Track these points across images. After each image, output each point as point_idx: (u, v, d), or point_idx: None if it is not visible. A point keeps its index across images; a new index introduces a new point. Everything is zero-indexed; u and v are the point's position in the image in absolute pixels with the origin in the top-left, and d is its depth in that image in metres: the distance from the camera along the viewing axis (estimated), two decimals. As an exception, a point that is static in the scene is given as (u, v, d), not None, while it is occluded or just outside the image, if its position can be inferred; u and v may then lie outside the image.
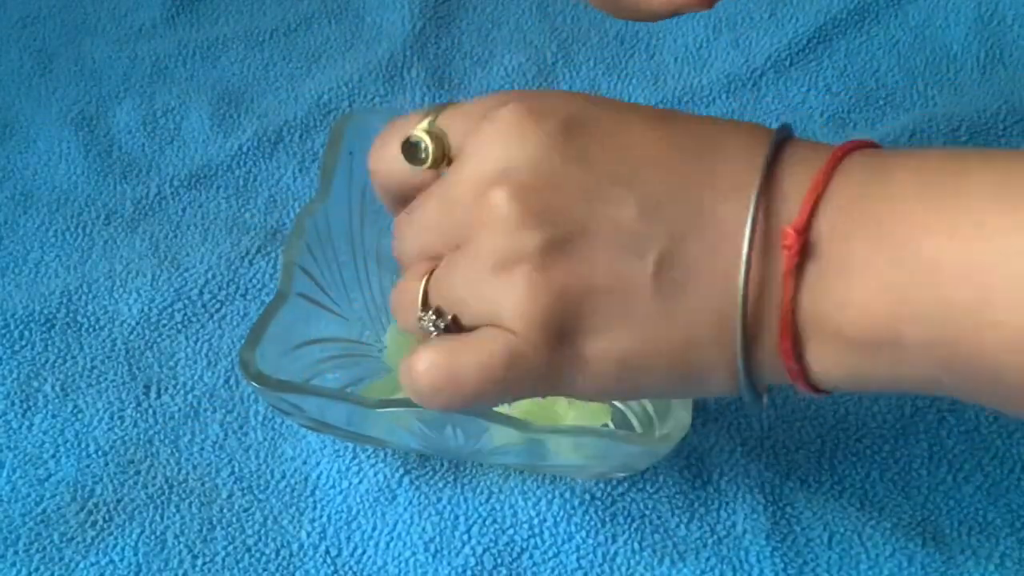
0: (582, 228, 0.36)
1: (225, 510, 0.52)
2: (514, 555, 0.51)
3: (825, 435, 0.55)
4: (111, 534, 0.51)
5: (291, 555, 0.51)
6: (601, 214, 0.35)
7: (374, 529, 0.52)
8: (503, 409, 0.53)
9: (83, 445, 0.54)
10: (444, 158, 0.40)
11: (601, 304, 0.36)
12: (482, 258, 0.36)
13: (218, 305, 0.60)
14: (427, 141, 0.40)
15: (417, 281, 0.40)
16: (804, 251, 0.34)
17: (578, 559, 0.51)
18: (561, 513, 0.52)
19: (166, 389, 0.57)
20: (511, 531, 0.52)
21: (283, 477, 0.53)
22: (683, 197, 0.35)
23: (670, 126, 0.37)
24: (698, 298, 0.35)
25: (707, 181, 0.35)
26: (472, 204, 0.37)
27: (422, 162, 0.41)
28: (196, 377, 0.57)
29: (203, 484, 0.53)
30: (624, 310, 0.35)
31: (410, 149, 0.41)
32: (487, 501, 0.53)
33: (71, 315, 0.60)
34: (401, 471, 0.53)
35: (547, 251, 0.36)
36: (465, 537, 0.51)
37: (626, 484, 0.53)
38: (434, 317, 0.39)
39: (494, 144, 0.37)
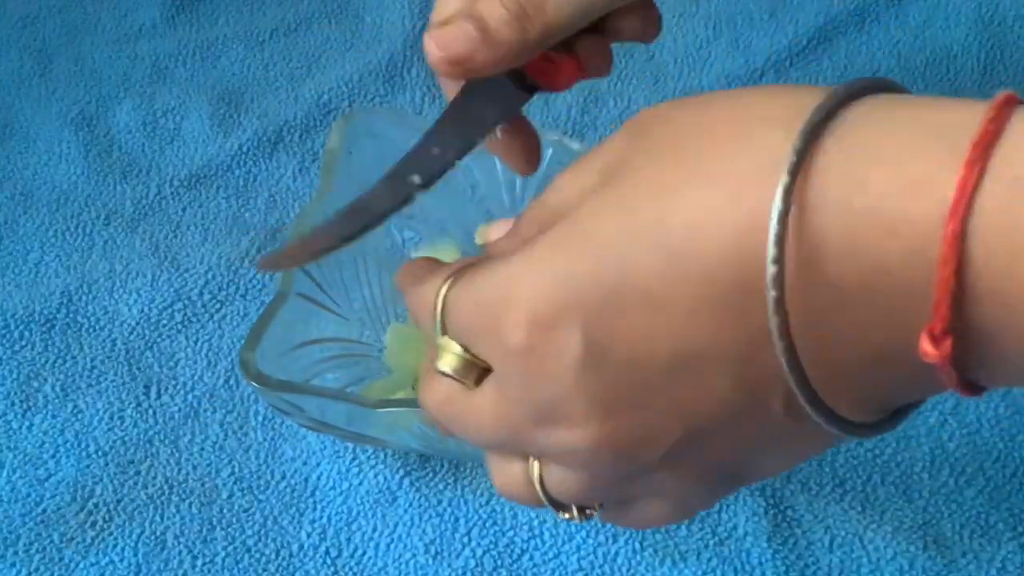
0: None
1: (225, 510, 0.52)
2: (514, 556, 0.51)
3: (826, 437, 0.55)
4: (111, 534, 0.51)
5: (291, 556, 0.51)
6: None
7: (374, 530, 0.52)
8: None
9: (83, 445, 0.54)
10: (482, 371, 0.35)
11: None
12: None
13: (218, 305, 0.60)
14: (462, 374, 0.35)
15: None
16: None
17: (579, 560, 0.51)
18: (562, 515, 0.52)
19: (166, 389, 0.57)
20: (511, 532, 0.52)
21: (283, 478, 0.53)
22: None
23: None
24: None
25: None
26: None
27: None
28: (196, 377, 0.57)
29: (203, 484, 0.53)
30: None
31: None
32: (487, 503, 0.52)
33: (71, 315, 0.60)
34: (401, 473, 0.53)
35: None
36: (465, 539, 0.51)
37: (627, 486, 0.53)
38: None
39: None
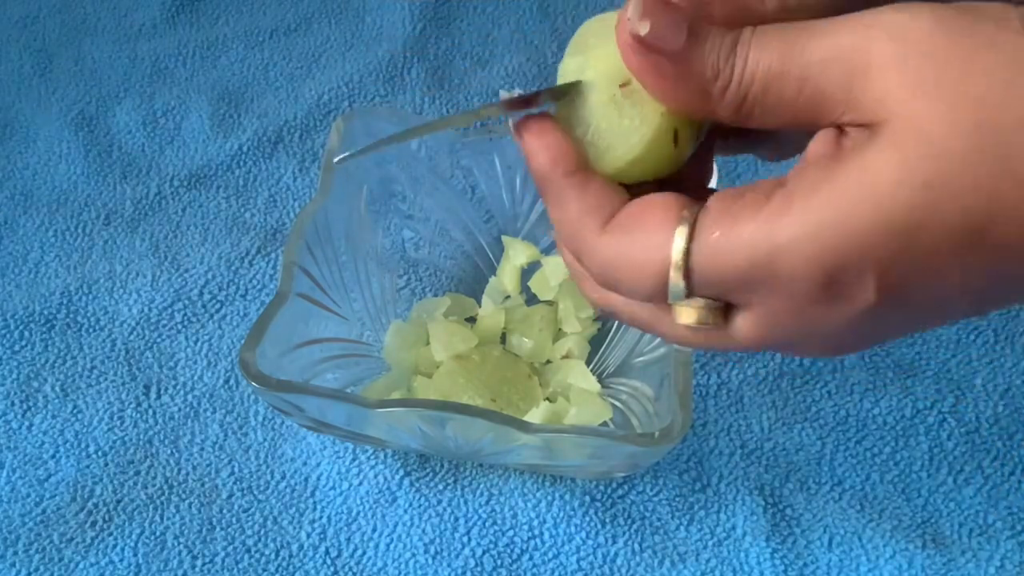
0: None
1: (225, 510, 0.52)
2: (514, 556, 0.51)
3: (825, 437, 0.55)
4: (111, 534, 0.51)
5: (291, 556, 0.51)
6: None
7: (374, 530, 0.52)
8: (504, 401, 0.53)
9: (83, 445, 0.54)
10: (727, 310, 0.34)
11: None
12: None
13: (218, 305, 0.60)
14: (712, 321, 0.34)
15: None
16: None
17: (578, 560, 0.51)
18: (561, 515, 0.52)
19: (166, 389, 0.57)
20: (511, 533, 0.52)
21: (283, 478, 0.53)
22: None
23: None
24: None
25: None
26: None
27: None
28: (196, 377, 0.57)
29: (203, 484, 0.53)
30: None
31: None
32: (487, 503, 0.53)
33: (71, 315, 0.60)
34: (401, 473, 0.53)
35: None
36: (465, 539, 0.51)
37: (626, 486, 0.53)
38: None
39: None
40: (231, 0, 0.79)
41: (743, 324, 0.33)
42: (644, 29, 0.32)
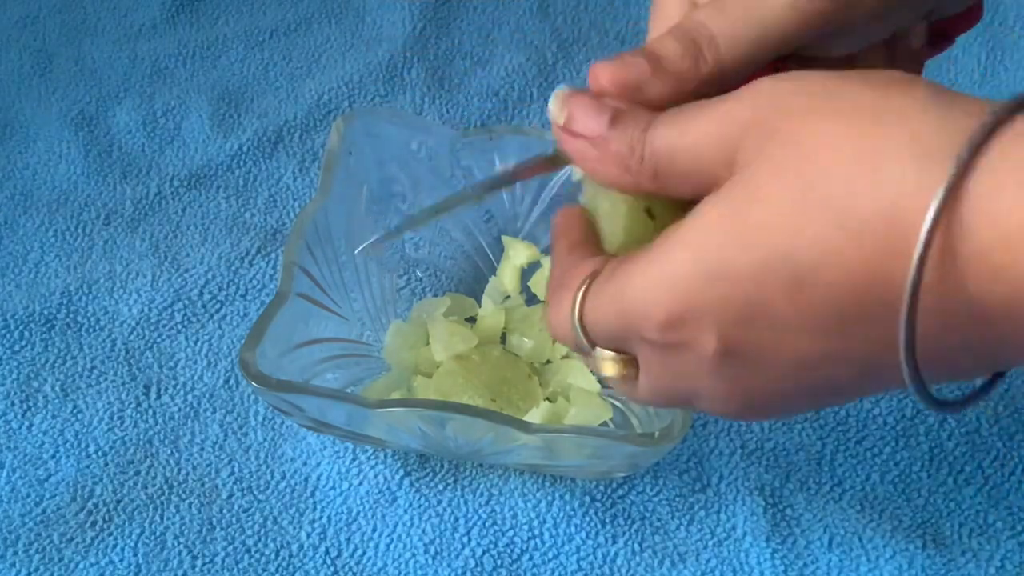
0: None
1: (225, 510, 0.52)
2: (514, 556, 0.51)
3: (825, 437, 0.55)
4: (111, 534, 0.51)
5: (291, 556, 0.51)
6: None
7: (374, 530, 0.52)
8: (504, 402, 0.53)
9: (83, 445, 0.54)
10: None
11: None
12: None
13: (218, 305, 0.60)
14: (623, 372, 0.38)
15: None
16: None
17: (578, 560, 0.51)
18: (561, 515, 0.52)
19: (166, 389, 0.57)
20: (511, 533, 0.52)
21: (283, 478, 0.53)
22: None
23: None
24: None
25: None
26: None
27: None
28: (196, 377, 0.57)
29: (203, 484, 0.53)
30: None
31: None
32: (487, 503, 0.53)
33: (71, 315, 0.60)
34: (401, 473, 0.53)
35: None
36: (465, 539, 0.51)
37: (626, 486, 0.53)
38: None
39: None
40: (231, 0, 0.79)
41: (640, 379, 0.37)
42: (562, 119, 0.37)
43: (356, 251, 0.45)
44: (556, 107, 0.37)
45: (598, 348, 0.37)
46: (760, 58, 0.38)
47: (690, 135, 0.34)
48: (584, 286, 0.37)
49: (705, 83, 0.37)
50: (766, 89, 0.33)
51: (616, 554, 0.51)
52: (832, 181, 0.30)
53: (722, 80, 0.37)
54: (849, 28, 0.38)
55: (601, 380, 0.54)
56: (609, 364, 0.37)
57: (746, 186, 0.32)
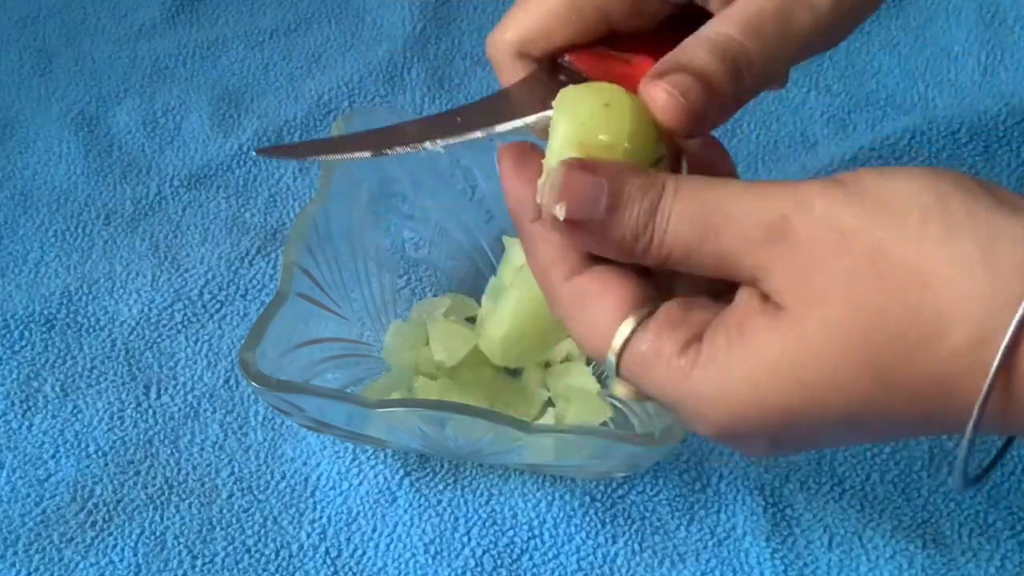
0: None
1: (225, 510, 0.52)
2: (514, 556, 0.51)
3: (825, 436, 0.55)
4: (111, 534, 0.51)
5: (291, 556, 0.51)
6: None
7: (374, 530, 0.52)
8: (503, 409, 0.53)
9: (83, 445, 0.54)
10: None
11: None
12: None
13: (218, 305, 0.60)
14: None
15: None
16: None
17: (578, 560, 0.51)
18: (561, 515, 0.52)
19: (166, 389, 0.57)
20: (511, 532, 0.52)
21: (283, 478, 0.53)
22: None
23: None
24: None
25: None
26: None
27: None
28: (196, 377, 0.57)
29: (203, 484, 0.53)
30: None
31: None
32: (487, 503, 0.53)
33: (71, 315, 0.60)
34: (401, 473, 0.53)
35: None
36: (465, 539, 0.51)
37: (626, 486, 0.53)
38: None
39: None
40: (231, 0, 0.79)
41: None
42: (562, 213, 0.34)
43: (255, 150, 0.43)
44: (551, 199, 0.34)
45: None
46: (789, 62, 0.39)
47: (715, 236, 0.33)
48: (637, 323, 0.35)
49: (738, 106, 0.37)
50: (798, 221, 0.32)
51: (616, 554, 0.51)
52: (890, 347, 0.31)
53: (754, 93, 0.38)
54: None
55: (602, 380, 0.54)
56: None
57: (799, 335, 0.32)
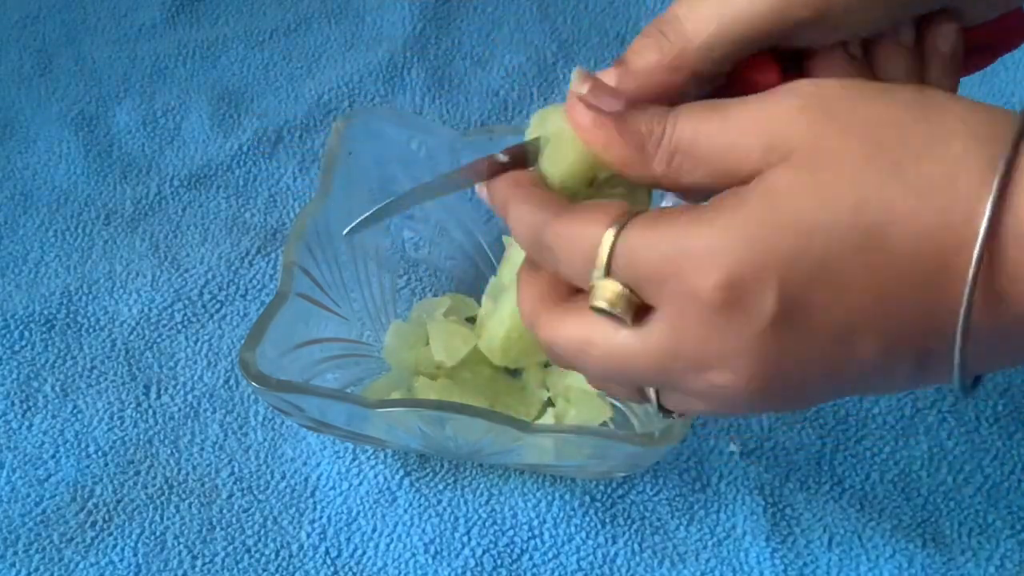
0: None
1: (225, 510, 0.52)
2: (514, 556, 0.51)
3: (825, 437, 0.55)
4: (111, 534, 0.51)
5: (291, 556, 0.51)
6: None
7: (374, 530, 0.52)
8: (503, 409, 0.53)
9: (83, 445, 0.54)
10: (640, 310, 0.35)
11: None
12: None
13: (218, 305, 0.60)
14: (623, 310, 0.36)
15: None
16: None
17: (578, 560, 0.51)
18: (561, 515, 0.52)
19: (166, 389, 0.57)
20: (511, 532, 0.52)
21: (283, 478, 0.53)
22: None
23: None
24: None
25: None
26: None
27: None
28: (196, 377, 0.57)
29: (203, 484, 0.53)
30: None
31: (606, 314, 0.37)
32: (487, 503, 0.53)
33: (71, 315, 0.60)
34: (401, 473, 0.53)
35: None
36: (465, 539, 0.51)
37: (626, 486, 0.53)
38: None
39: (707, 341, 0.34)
40: (231, 0, 0.79)
41: (654, 327, 0.35)
42: (584, 89, 0.37)
43: (344, 231, 0.44)
44: (578, 79, 0.38)
45: (608, 278, 0.35)
46: (736, 44, 0.38)
47: (715, 121, 0.35)
48: (627, 218, 0.35)
49: (675, 70, 0.38)
50: (807, 86, 0.34)
51: (616, 554, 0.51)
52: (898, 145, 0.32)
53: (697, 71, 0.38)
54: (830, 15, 0.38)
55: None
56: (613, 295, 0.35)
57: (812, 152, 0.33)
